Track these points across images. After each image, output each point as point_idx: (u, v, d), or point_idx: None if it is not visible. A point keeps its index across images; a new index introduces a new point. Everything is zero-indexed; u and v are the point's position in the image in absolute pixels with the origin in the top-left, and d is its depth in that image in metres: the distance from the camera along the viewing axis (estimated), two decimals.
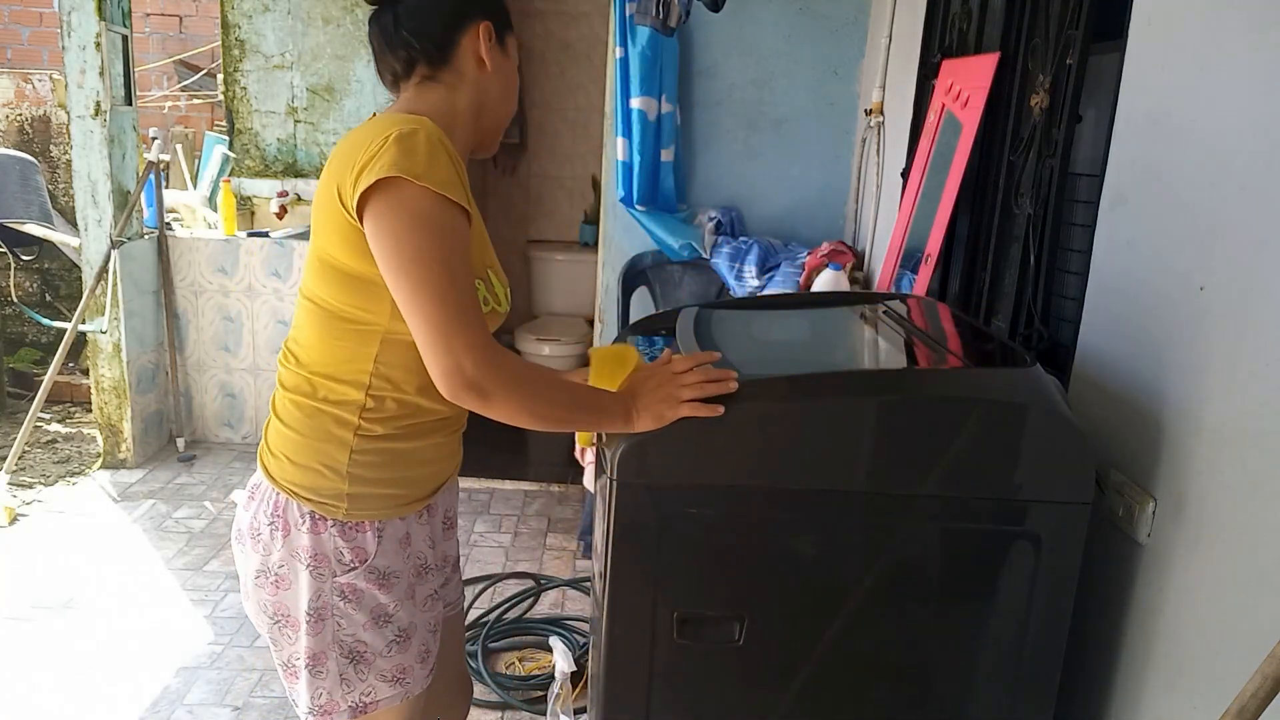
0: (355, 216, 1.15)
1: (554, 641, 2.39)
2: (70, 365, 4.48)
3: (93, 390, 3.68)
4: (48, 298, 4.76)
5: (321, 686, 1.30)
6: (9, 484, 3.39)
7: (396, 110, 1.28)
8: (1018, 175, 1.88)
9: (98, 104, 3.41)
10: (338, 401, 1.24)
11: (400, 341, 1.22)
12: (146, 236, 3.73)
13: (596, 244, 3.54)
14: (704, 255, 3.16)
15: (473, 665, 2.41)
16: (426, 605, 1.37)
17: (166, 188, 4.03)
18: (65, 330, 3.54)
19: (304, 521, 1.25)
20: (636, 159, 3.15)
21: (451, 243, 1.14)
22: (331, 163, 1.21)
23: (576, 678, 2.26)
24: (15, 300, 4.54)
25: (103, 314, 3.55)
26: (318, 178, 4.61)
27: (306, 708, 1.31)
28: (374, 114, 1.31)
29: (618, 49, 3.12)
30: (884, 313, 1.78)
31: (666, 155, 3.20)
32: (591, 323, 3.92)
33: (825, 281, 2.63)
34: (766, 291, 2.92)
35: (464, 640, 1.66)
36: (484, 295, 1.26)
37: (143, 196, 3.67)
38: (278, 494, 1.27)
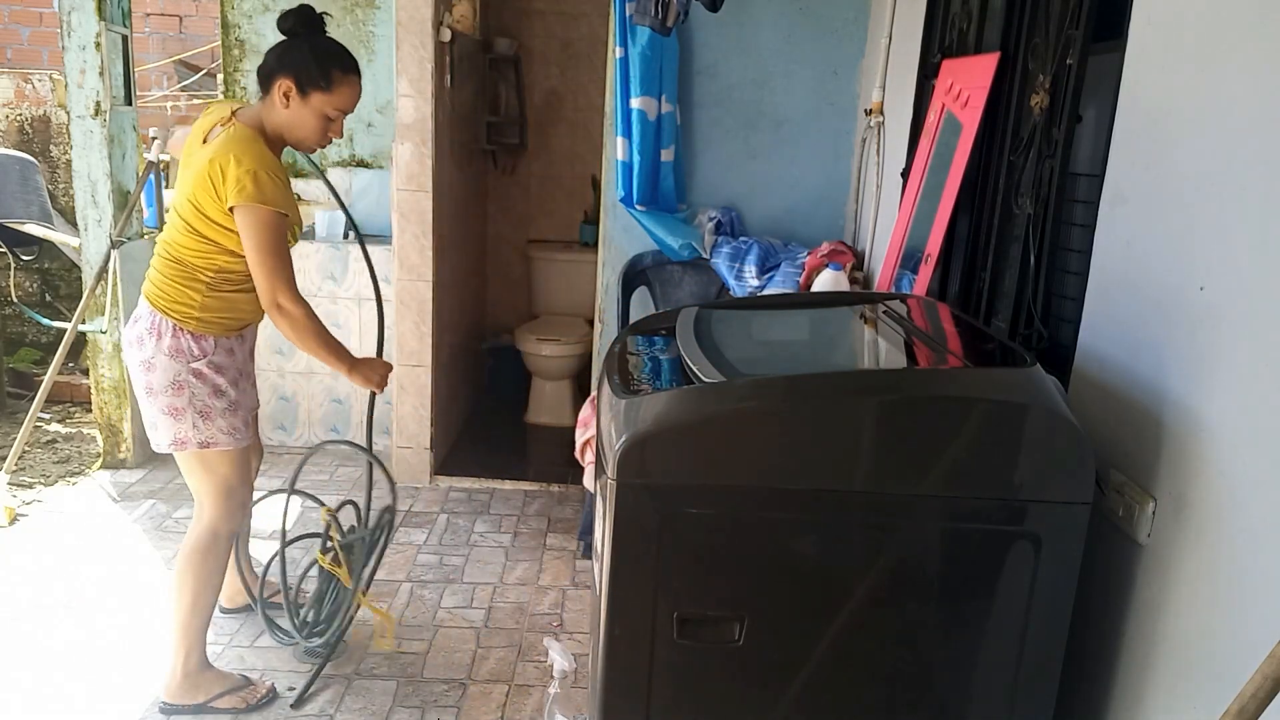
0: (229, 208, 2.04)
1: (550, 642, 2.38)
2: (70, 365, 4.47)
3: (93, 390, 3.68)
4: (48, 298, 4.76)
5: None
6: (9, 484, 3.40)
7: (248, 118, 2.13)
8: (1018, 175, 1.88)
9: (98, 104, 3.41)
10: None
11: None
12: (146, 236, 3.73)
13: (596, 244, 3.53)
14: (704, 255, 3.15)
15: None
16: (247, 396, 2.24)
17: (166, 188, 4.03)
18: (65, 330, 3.54)
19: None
20: (636, 159, 3.15)
21: (278, 233, 2.06)
22: (206, 160, 2.03)
23: (348, 550, 2.32)
24: (15, 300, 4.54)
25: (103, 314, 3.55)
26: (317, 178, 4.59)
27: (169, 440, 2.12)
28: (231, 114, 2.15)
29: (618, 49, 3.12)
30: (884, 313, 1.78)
31: (666, 155, 3.20)
32: (591, 323, 3.92)
33: (825, 281, 2.63)
34: (766, 291, 2.92)
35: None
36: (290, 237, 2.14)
37: (143, 196, 3.67)
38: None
